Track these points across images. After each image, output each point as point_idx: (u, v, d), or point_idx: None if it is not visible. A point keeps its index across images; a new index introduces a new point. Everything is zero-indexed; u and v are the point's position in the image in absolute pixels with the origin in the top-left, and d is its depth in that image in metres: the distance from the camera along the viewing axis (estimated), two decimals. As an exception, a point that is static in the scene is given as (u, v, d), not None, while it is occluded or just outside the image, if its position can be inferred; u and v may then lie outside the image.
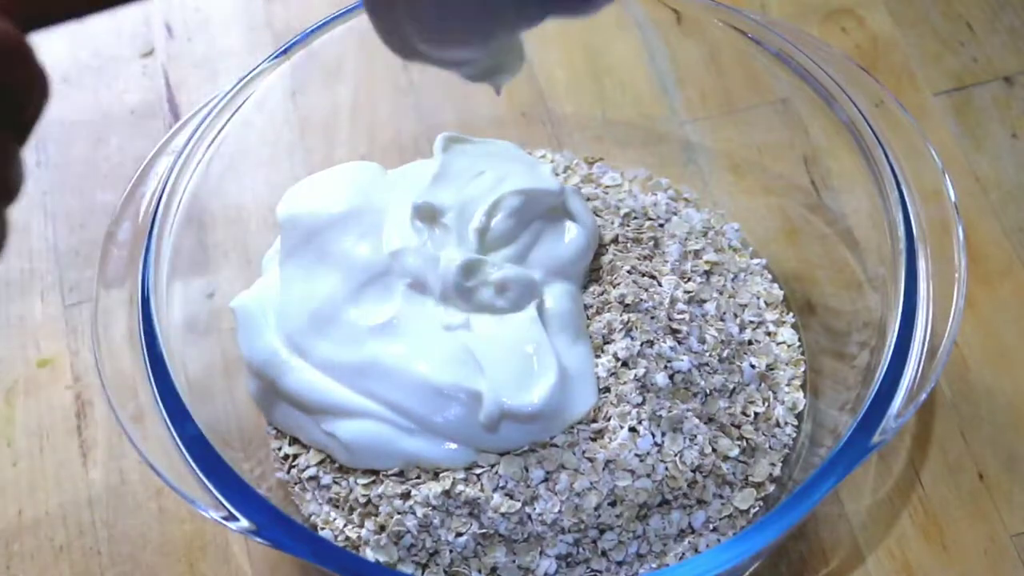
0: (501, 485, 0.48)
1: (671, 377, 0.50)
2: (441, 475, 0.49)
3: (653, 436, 0.49)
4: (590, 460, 0.49)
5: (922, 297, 0.48)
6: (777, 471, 0.52)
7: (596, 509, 0.48)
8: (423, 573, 0.49)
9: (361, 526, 0.50)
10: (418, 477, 0.50)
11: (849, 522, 0.54)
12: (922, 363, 0.47)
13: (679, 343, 0.52)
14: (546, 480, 0.49)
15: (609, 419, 0.50)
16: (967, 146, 0.65)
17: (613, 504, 0.49)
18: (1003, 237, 0.62)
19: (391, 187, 0.55)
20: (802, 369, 0.56)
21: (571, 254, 0.54)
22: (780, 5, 0.71)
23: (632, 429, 0.49)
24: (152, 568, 0.54)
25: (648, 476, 0.49)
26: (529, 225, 0.54)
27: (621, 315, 0.51)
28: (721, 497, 0.51)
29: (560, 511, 0.48)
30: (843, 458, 0.44)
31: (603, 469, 0.48)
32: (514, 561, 0.49)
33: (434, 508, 0.48)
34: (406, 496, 0.49)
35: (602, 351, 0.51)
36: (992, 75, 0.68)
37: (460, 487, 0.48)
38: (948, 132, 0.66)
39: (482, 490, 0.48)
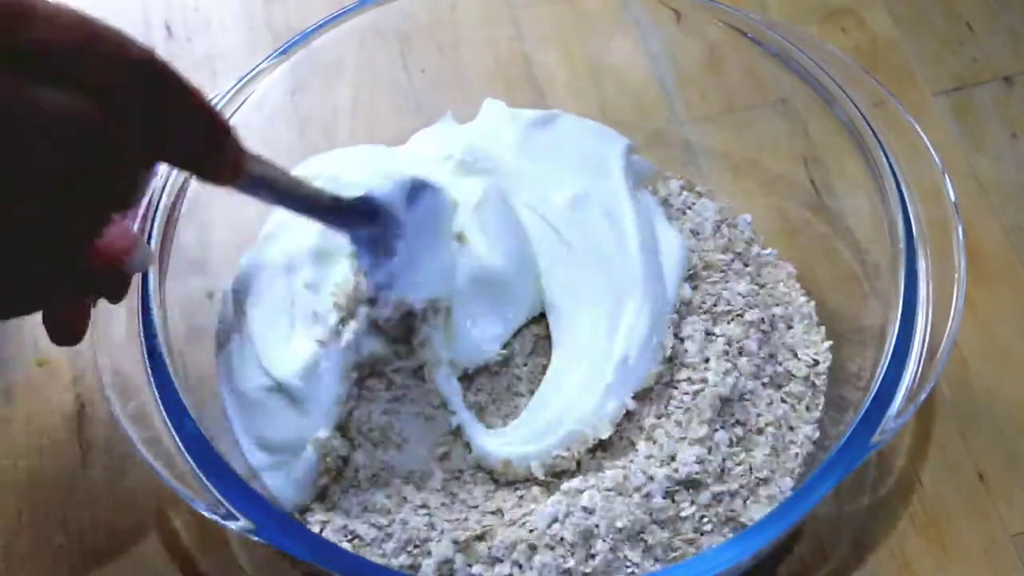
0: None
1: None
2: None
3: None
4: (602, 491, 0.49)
5: (922, 297, 0.48)
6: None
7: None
8: (421, 571, 0.49)
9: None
10: (420, 478, 0.50)
11: (849, 522, 0.54)
12: (922, 363, 0.47)
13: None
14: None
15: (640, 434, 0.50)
16: (967, 146, 0.65)
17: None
18: (1003, 237, 0.62)
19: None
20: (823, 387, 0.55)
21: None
22: (780, 5, 0.71)
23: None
24: (152, 568, 0.53)
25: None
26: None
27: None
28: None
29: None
30: (843, 458, 0.45)
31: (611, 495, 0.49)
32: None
33: (434, 508, 0.49)
34: (405, 499, 0.49)
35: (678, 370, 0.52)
36: (992, 75, 0.68)
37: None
38: (948, 132, 0.65)
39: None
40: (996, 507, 0.54)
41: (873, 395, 0.46)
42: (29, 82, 0.32)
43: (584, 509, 0.48)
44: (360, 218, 0.46)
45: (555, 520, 0.48)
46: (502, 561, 0.47)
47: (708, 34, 0.59)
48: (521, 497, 0.50)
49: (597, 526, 0.47)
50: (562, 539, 0.47)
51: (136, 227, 0.50)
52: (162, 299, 0.49)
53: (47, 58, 0.32)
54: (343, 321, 0.51)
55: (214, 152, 0.37)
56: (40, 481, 0.56)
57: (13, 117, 0.32)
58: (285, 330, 0.52)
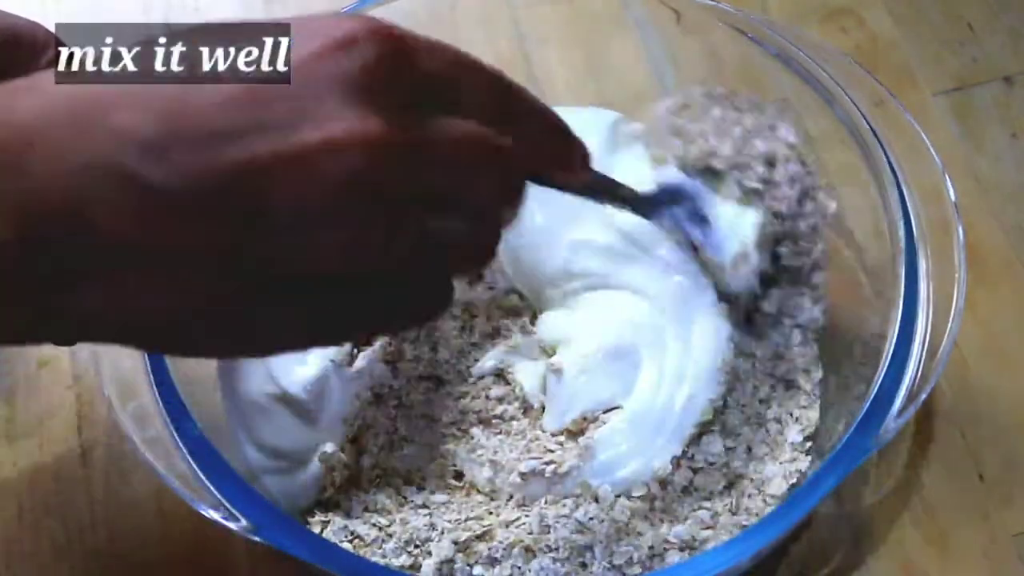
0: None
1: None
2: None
3: None
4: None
5: (922, 297, 0.48)
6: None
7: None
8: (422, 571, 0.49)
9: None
10: (420, 478, 0.50)
11: (849, 522, 0.54)
12: (922, 363, 0.47)
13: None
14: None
15: None
16: (967, 146, 0.65)
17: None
18: (1003, 237, 0.62)
19: None
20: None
21: None
22: (780, 5, 0.71)
23: None
24: (152, 568, 0.53)
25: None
26: None
27: None
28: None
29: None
30: (843, 458, 0.44)
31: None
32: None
33: (435, 508, 0.49)
34: (405, 499, 0.49)
35: None
36: (992, 75, 0.68)
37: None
38: (948, 132, 0.65)
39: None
40: (996, 507, 0.54)
41: (873, 395, 0.46)
42: (429, 116, 0.32)
43: (578, 523, 0.48)
44: (667, 205, 0.50)
45: (547, 527, 0.48)
46: (500, 562, 0.47)
47: (708, 34, 0.59)
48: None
49: (592, 547, 0.47)
50: (557, 548, 0.47)
51: None
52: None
53: (433, 91, 0.33)
54: (357, 346, 0.51)
55: (568, 148, 0.38)
56: (40, 481, 0.56)
57: (435, 156, 0.32)
58: None
